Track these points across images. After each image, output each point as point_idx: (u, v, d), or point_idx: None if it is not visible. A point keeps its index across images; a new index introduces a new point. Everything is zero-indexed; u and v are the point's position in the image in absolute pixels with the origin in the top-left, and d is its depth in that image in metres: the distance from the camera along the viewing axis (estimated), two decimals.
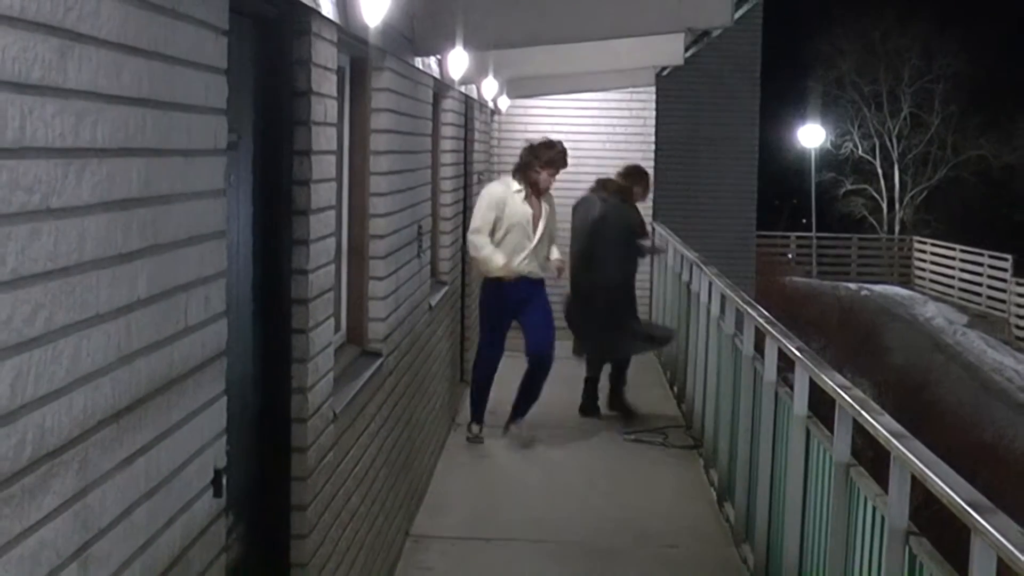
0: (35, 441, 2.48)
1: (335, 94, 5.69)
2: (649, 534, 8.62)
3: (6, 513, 2.37)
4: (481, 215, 10.73)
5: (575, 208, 12.30)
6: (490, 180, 16.31)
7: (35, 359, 2.48)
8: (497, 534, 8.56)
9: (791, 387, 6.90)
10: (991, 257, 38.28)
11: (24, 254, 2.43)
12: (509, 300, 10.78)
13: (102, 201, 2.82)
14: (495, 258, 10.54)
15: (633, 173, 12.57)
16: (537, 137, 11.29)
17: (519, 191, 10.73)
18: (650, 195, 13.68)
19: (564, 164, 10.90)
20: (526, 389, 11.02)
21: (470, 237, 10.80)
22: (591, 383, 12.26)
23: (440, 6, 8.41)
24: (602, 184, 12.29)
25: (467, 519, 8.75)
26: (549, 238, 11.00)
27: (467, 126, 12.93)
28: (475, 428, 11.07)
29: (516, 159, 11.03)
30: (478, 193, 12.21)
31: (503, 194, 10.77)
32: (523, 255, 10.67)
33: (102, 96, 2.80)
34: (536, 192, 10.80)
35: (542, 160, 10.76)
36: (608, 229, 11.90)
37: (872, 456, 5.90)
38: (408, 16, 7.73)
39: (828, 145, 48.49)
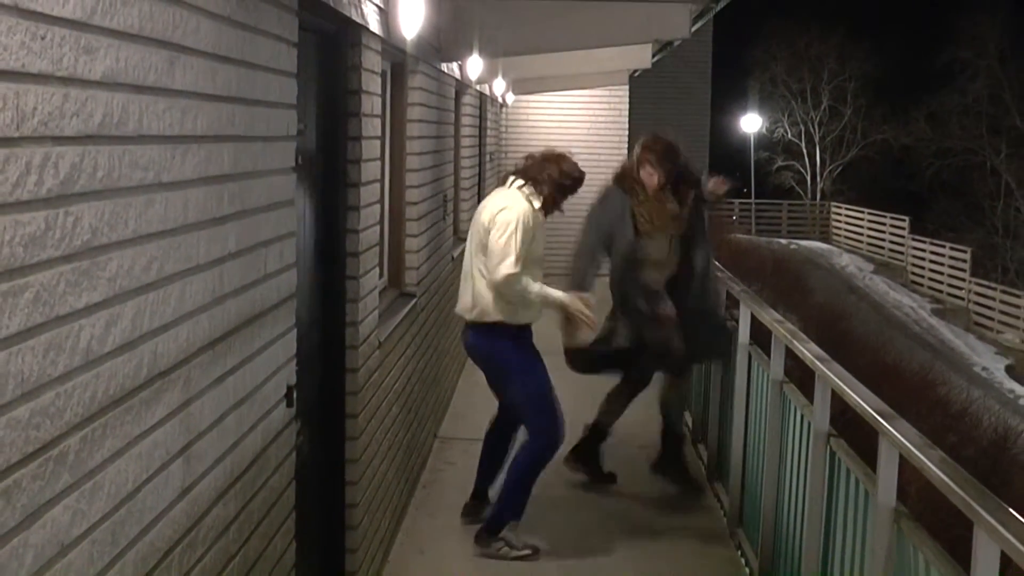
0: (150, 364, 2.50)
1: (379, 92, 5.68)
2: (627, 437, 8.62)
3: (128, 419, 2.39)
4: (519, 245, 6.06)
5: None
6: (499, 161, 16.19)
7: (150, 300, 2.50)
8: None
9: (736, 321, 6.90)
10: (892, 218, 38.19)
11: (141, 218, 2.43)
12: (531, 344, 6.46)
13: (201, 177, 2.82)
14: (552, 293, 6.25)
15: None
16: (548, 149, 6.57)
17: (540, 210, 6.25)
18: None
19: None
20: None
21: (513, 276, 6.05)
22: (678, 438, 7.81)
23: (461, 22, 8.39)
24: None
25: (482, 424, 8.73)
26: None
27: (481, 116, 12.89)
28: (534, 543, 6.36)
29: (540, 168, 6.29)
30: (492, 171, 12.01)
31: (534, 215, 6.19)
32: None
33: (201, 95, 2.80)
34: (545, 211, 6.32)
35: (574, 178, 6.37)
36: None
37: (800, 375, 5.89)
38: (436, 30, 7.70)
39: (764, 130, 48.20)
